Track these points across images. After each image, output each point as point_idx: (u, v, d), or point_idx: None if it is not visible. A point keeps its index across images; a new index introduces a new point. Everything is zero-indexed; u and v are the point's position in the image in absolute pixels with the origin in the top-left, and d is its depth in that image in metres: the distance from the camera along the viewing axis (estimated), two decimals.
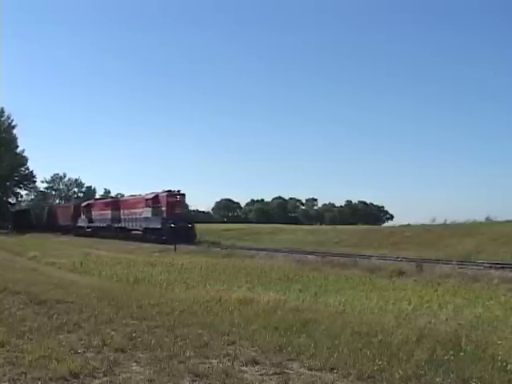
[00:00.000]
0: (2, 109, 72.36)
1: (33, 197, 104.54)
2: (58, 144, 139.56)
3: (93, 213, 50.02)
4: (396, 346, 6.51)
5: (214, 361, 6.04)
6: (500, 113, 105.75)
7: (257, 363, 5.99)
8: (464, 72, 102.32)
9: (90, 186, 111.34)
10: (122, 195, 65.94)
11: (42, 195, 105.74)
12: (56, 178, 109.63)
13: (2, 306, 9.54)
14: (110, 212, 46.10)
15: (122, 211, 43.69)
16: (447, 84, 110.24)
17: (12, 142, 72.65)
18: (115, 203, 46.95)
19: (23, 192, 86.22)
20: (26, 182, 79.43)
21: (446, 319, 8.30)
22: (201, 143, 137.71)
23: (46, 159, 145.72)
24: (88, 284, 13.48)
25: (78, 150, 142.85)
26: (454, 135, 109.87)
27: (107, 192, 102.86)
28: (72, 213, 55.09)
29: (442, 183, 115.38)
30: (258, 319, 8.36)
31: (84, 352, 6.37)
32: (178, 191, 37.43)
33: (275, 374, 5.66)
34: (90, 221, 49.80)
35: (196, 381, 5.35)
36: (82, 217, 51.86)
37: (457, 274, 14.63)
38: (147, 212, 38.01)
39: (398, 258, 19.80)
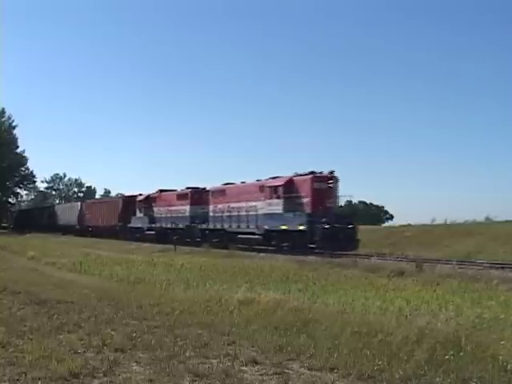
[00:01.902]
0: (3, 109, 72.51)
1: (33, 197, 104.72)
2: (58, 144, 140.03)
3: (157, 209, 37.56)
4: (396, 346, 6.51)
5: (214, 361, 6.05)
6: (500, 112, 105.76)
7: (257, 363, 6.00)
8: (464, 72, 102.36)
9: (90, 186, 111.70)
10: (122, 195, 65.27)
11: (42, 195, 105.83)
12: (56, 178, 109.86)
13: (2, 306, 9.56)
14: (188, 207, 33.36)
15: (213, 206, 30.87)
16: (447, 84, 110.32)
17: (12, 142, 72.70)
18: (199, 194, 33.26)
19: (23, 192, 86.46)
20: (26, 182, 79.51)
21: (446, 319, 8.28)
22: (201, 143, 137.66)
23: (46, 159, 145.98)
24: (88, 284, 13.48)
25: (78, 150, 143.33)
26: (453, 135, 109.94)
27: (107, 192, 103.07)
28: (120, 210, 43.64)
29: (442, 183, 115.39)
30: (257, 319, 8.36)
31: (84, 352, 6.38)
32: (332, 172, 24.32)
33: (275, 374, 5.67)
34: (152, 220, 37.62)
35: (196, 381, 5.35)
36: (139, 215, 39.70)
37: (457, 274, 14.62)
38: (273, 205, 25.35)
39: (398, 257, 19.80)
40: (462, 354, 6.17)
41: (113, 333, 7.39)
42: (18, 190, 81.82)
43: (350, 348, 6.47)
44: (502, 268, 16.62)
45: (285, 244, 24.41)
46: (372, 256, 20.16)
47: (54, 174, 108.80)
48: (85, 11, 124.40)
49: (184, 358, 6.09)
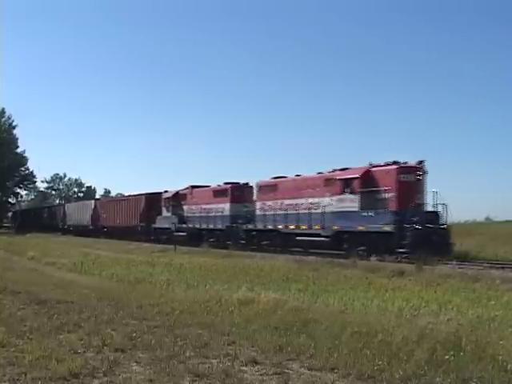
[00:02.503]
0: (3, 109, 72.55)
1: (33, 197, 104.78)
2: (58, 144, 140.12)
3: (188, 207, 33.43)
4: (396, 346, 6.51)
5: (214, 361, 6.05)
6: (500, 113, 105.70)
7: (257, 363, 6.00)
8: (464, 72, 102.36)
9: (90, 186, 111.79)
10: (122, 195, 64.88)
11: (42, 195, 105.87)
12: (56, 178, 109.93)
13: (2, 306, 9.56)
14: (227, 205, 29.47)
15: (261, 203, 26.82)
16: (447, 84, 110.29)
17: (12, 142, 72.74)
18: (240, 190, 29.65)
19: (23, 192, 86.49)
20: (26, 182, 79.55)
21: (447, 319, 8.29)
22: (201, 143, 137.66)
23: (46, 159, 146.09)
24: (88, 284, 13.48)
25: (78, 150, 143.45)
26: (453, 135, 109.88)
27: (107, 192, 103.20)
28: (143, 209, 39.30)
29: (442, 183, 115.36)
30: (257, 319, 8.37)
31: (84, 352, 6.38)
32: (421, 162, 20.36)
33: (275, 374, 5.67)
34: (182, 220, 33.52)
35: (196, 381, 5.35)
36: (166, 214, 35.48)
37: (457, 274, 14.61)
38: (345, 202, 21.46)
39: (398, 258, 19.74)
40: (462, 354, 6.17)
41: (113, 333, 7.39)
42: (18, 190, 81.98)
43: (350, 348, 6.47)
44: (503, 268, 16.62)
45: (361, 248, 20.13)
46: (372, 256, 20.11)
47: (54, 174, 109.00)
48: (84, 11, 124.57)
49: (184, 358, 6.09)
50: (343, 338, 6.97)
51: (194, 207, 32.72)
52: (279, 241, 24.94)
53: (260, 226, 26.57)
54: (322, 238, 22.43)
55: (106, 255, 24.79)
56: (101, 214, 48.06)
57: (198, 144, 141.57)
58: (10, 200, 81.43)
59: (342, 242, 21.42)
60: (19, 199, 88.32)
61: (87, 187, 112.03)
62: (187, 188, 34.35)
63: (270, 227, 25.85)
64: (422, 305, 9.84)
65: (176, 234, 32.73)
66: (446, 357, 6.02)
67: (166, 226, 34.40)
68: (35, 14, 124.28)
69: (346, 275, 15.18)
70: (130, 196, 45.35)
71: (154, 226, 36.57)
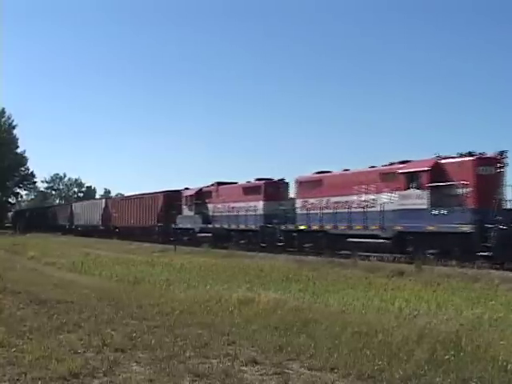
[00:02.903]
0: (3, 109, 72.59)
1: (33, 197, 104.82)
2: (58, 144, 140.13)
3: (213, 206, 30.66)
4: (396, 346, 6.51)
5: (214, 361, 6.04)
6: (500, 113, 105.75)
7: (257, 363, 6.00)
8: (464, 72, 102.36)
9: (90, 186, 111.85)
10: (122, 195, 64.53)
11: (42, 195, 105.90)
12: (56, 178, 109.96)
13: (2, 306, 9.56)
14: (260, 203, 26.78)
15: (302, 200, 24.41)
16: (447, 84, 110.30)
17: (12, 142, 72.78)
18: (275, 187, 27.28)
19: (23, 192, 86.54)
20: (25, 182, 79.58)
21: (446, 319, 8.29)
22: (201, 143, 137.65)
23: (46, 159, 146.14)
24: (88, 284, 13.48)
25: (78, 150, 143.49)
26: (453, 135, 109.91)
27: (107, 192, 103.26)
28: (161, 208, 36.78)
29: None
30: (257, 319, 8.36)
31: (84, 352, 6.38)
32: (503, 153, 18.04)
33: (275, 373, 5.66)
34: (207, 219, 30.93)
35: (196, 381, 5.35)
36: (188, 213, 32.77)
37: (457, 274, 14.61)
38: (411, 198, 19.03)
39: (398, 258, 19.74)
40: (462, 354, 6.16)
41: (113, 333, 7.39)
42: (18, 190, 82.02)
43: (350, 348, 6.47)
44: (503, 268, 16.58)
45: (430, 251, 17.75)
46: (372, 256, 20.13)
47: (54, 174, 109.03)
48: (85, 11, 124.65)
49: (184, 358, 6.08)
50: (343, 338, 6.96)
51: (220, 206, 29.86)
52: (325, 242, 22.31)
53: (302, 226, 23.92)
54: (381, 240, 19.90)
55: (106, 255, 24.78)
56: (112, 213, 45.25)
57: (198, 144, 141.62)
58: (9, 200, 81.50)
59: (406, 245, 19.06)
60: (19, 199, 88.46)
61: (87, 187, 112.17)
62: (212, 185, 31.59)
63: (314, 228, 23.20)
64: (422, 305, 9.84)
65: (200, 234, 30.77)
66: (446, 357, 6.02)
67: (188, 226, 32.00)
68: (35, 13, 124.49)
69: (346, 275, 15.18)
70: (145, 194, 41.05)
71: (174, 226, 33.47)
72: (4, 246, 31.79)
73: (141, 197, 41.68)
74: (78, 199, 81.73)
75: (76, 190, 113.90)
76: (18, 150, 74.00)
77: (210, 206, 31.17)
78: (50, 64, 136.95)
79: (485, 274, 14.47)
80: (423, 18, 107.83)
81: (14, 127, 73.17)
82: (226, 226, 29.07)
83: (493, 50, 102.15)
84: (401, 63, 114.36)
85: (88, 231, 49.07)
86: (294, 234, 24.45)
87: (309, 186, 24.61)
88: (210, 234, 30.15)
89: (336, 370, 5.74)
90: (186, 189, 34.44)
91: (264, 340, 7.01)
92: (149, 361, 6.02)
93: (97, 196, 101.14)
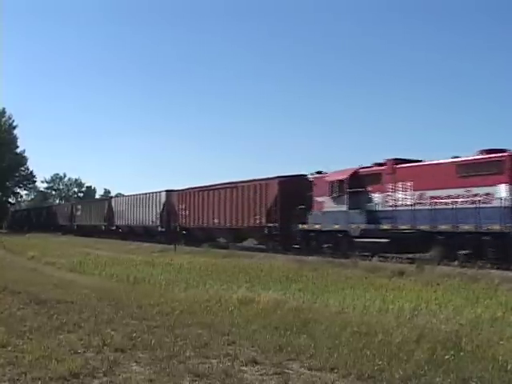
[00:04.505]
0: (3, 109, 72.60)
1: (33, 197, 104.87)
2: (58, 144, 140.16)
3: (384, 196, 20.01)
4: (396, 346, 6.51)
5: (214, 361, 6.04)
6: (500, 113, 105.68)
7: (257, 363, 6.00)
8: (464, 72, 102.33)
9: (90, 186, 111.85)
10: (122, 195, 63.45)
11: (42, 195, 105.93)
12: (56, 178, 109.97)
13: (2, 305, 9.55)
14: (504, 188, 16.36)
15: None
16: (447, 84, 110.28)
17: (12, 142, 72.80)
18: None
19: (23, 192, 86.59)
20: (25, 182, 79.62)
21: (446, 319, 8.29)
22: (201, 143, 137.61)
23: (46, 159, 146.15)
24: (88, 284, 13.48)
25: (78, 149, 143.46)
26: (453, 136, 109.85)
27: (107, 192, 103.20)
28: (275, 200, 25.21)
29: None
30: (257, 319, 8.37)
31: (84, 352, 6.37)
32: None
33: (275, 373, 5.66)
34: (374, 218, 20.36)
35: (196, 381, 5.35)
36: (332, 207, 22.00)
37: (457, 274, 14.62)
38: None
39: (398, 258, 19.74)
40: (462, 354, 6.17)
41: (113, 333, 7.39)
42: (18, 190, 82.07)
43: (350, 348, 6.47)
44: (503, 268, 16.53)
45: None
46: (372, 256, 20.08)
47: (54, 174, 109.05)
48: (85, 11, 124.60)
49: (184, 358, 6.08)
50: (343, 338, 6.97)
51: (403, 195, 19.41)
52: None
53: None
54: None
55: (106, 255, 24.78)
56: (179, 210, 33.36)
57: (197, 144, 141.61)
58: (9, 200, 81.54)
59: None
60: (19, 199, 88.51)
61: (87, 187, 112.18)
62: (380, 164, 20.94)
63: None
64: (422, 305, 9.84)
65: (360, 240, 20.48)
66: (446, 357, 6.03)
67: (334, 226, 21.72)
68: (35, 13, 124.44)
69: (346, 275, 15.18)
70: (240, 182, 28.31)
71: (299, 227, 23.37)
72: (3, 246, 31.78)
73: (233, 186, 28.69)
74: (118, 195, 62.95)
75: (76, 189, 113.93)
76: (18, 150, 74.07)
77: (376, 196, 20.48)
78: (50, 64, 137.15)
79: (485, 274, 14.47)
80: (424, 19, 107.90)
81: (14, 127, 73.25)
82: (424, 227, 18.42)
83: (493, 50, 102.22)
84: (401, 64, 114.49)
85: (134, 234, 39.16)
86: None
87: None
88: (384, 240, 19.56)
89: (336, 370, 5.74)
90: (318, 172, 23.71)
91: (264, 340, 7.01)
92: (149, 361, 6.02)
93: (96, 196, 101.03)
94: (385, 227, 19.90)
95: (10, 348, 6.45)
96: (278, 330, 7.61)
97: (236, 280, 13.76)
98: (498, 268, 15.40)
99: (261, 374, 5.64)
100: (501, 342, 6.67)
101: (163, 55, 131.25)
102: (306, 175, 24.97)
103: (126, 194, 45.88)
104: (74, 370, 5.50)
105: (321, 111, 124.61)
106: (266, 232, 25.84)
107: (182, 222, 33.22)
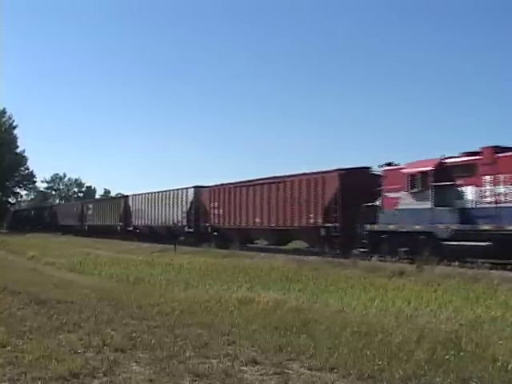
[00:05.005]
0: (4, 110, 72.63)
1: (33, 197, 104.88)
2: (58, 144, 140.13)
3: (480, 191, 16.74)
4: (396, 346, 6.51)
5: (214, 361, 6.04)
6: (500, 113, 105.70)
7: (257, 363, 6.00)
8: (464, 72, 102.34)
9: (90, 186, 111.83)
10: (122, 195, 63.14)
11: (42, 195, 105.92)
12: (56, 178, 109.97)
13: (2, 305, 9.56)
14: None
15: None
16: (447, 84, 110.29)
17: (12, 142, 72.82)
18: None
19: (23, 192, 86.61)
20: (25, 182, 79.64)
21: (446, 319, 8.29)
22: (201, 143, 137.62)
23: (46, 159, 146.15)
24: (88, 284, 13.48)
25: (78, 150, 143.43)
26: (453, 136, 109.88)
27: (107, 192, 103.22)
28: (333, 196, 21.93)
29: None
30: (257, 319, 8.37)
31: (84, 352, 6.38)
32: None
33: (275, 373, 5.66)
34: (466, 216, 17.10)
35: (196, 381, 5.35)
36: (411, 203, 18.71)
37: (457, 274, 14.60)
38: None
39: (399, 258, 19.74)
40: (462, 354, 6.17)
41: (113, 333, 7.39)
42: (18, 190, 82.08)
43: (350, 348, 6.47)
44: (503, 268, 16.55)
45: None
46: (372, 256, 20.09)
47: (54, 174, 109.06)
48: (85, 11, 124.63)
49: (184, 358, 6.08)
50: (343, 338, 6.97)
51: (508, 189, 16.20)
52: None
53: None
54: None
55: (106, 255, 24.79)
56: (210, 208, 29.73)
57: (198, 144, 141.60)
58: (9, 200, 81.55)
59: None
60: (19, 199, 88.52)
61: (87, 187, 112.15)
62: (475, 153, 17.54)
63: None
64: (422, 305, 9.84)
65: (454, 243, 16.99)
66: (446, 357, 6.03)
67: (415, 227, 18.37)
68: (35, 13, 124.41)
69: (346, 275, 15.18)
70: (290, 176, 24.97)
71: (367, 228, 20.09)
72: (3, 246, 31.78)
73: (280, 180, 25.40)
74: (137, 193, 53.81)
75: (76, 189, 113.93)
76: (18, 150, 74.08)
77: (469, 190, 17.37)
78: (50, 64, 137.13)
79: (485, 274, 14.46)
80: (423, 19, 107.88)
81: (14, 127, 73.25)
82: None
83: (493, 50, 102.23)
84: (401, 63, 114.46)
85: (157, 235, 35.47)
86: None
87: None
88: (484, 243, 16.12)
89: (336, 370, 5.74)
90: (389, 164, 20.40)
91: (264, 340, 7.01)
92: (149, 361, 6.02)
93: (96, 196, 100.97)
94: (485, 228, 16.34)
95: (9, 348, 6.45)
96: (277, 329, 7.61)
97: (236, 280, 13.76)
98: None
99: (261, 374, 5.64)
100: (500, 342, 6.67)
101: (163, 55, 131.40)
102: (369, 168, 22.25)
103: (142, 192, 39.58)
104: (74, 370, 5.50)
105: (319, 111, 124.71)
106: (322, 233, 22.38)
107: (214, 221, 29.68)
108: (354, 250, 20.34)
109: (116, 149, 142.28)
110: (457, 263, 16.42)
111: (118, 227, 41.90)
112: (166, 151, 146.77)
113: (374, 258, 19.19)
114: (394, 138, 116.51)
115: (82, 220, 50.28)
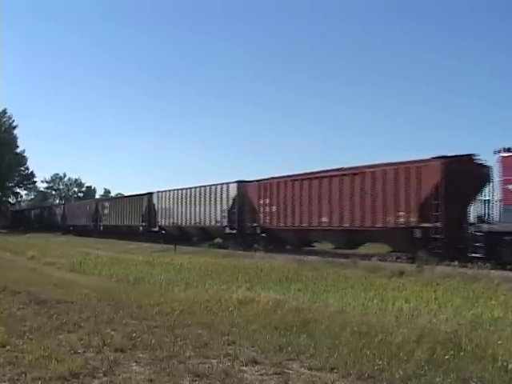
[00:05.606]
0: (4, 110, 72.67)
1: (33, 197, 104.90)
2: (58, 144, 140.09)
3: None
4: (396, 346, 6.51)
5: (214, 361, 6.05)
6: (500, 113, 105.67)
7: (257, 363, 6.00)
8: (464, 72, 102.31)
9: (90, 186, 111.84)
10: (122, 195, 63.26)
11: (42, 195, 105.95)
12: (56, 178, 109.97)
13: (2, 305, 9.56)
14: None
15: None
16: (447, 84, 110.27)
17: (12, 142, 72.87)
18: None
19: (23, 192, 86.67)
20: (26, 182, 79.68)
21: (446, 319, 8.29)
22: (201, 143, 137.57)
23: (46, 159, 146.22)
24: (88, 284, 13.48)
25: (78, 150, 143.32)
26: (453, 136, 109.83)
27: (107, 192, 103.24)
28: (432, 189, 18.13)
29: None
30: (257, 319, 8.37)
31: (84, 352, 6.38)
32: None
33: (275, 373, 5.67)
34: None
35: (196, 381, 5.35)
36: None
37: (457, 274, 14.62)
38: None
39: (399, 258, 19.75)
40: (462, 354, 6.17)
41: (113, 333, 7.39)
42: (18, 190, 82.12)
43: (350, 348, 6.48)
44: (503, 268, 16.56)
45: None
46: (373, 256, 20.11)
47: (54, 174, 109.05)
48: (85, 11, 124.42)
49: (184, 358, 6.09)
50: (343, 338, 6.97)
51: None
52: None
53: None
54: None
55: (106, 255, 24.79)
56: (259, 206, 26.11)
57: (197, 144, 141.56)
58: (9, 200, 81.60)
59: None
60: (19, 199, 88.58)
61: (87, 187, 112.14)
62: None
63: None
64: (422, 305, 9.84)
65: None
66: (446, 357, 6.03)
67: None
68: (35, 13, 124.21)
69: (346, 275, 15.19)
70: (368, 167, 21.14)
71: (483, 227, 16.55)
72: (3, 246, 31.78)
73: (356, 171, 21.42)
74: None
75: (76, 189, 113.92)
76: (18, 150, 74.13)
77: None
78: (50, 64, 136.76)
79: (485, 274, 14.47)
80: (423, 19, 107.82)
81: (14, 127, 73.28)
82: None
83: (493, 50, 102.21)
84: (400, 64, 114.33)
85: (188, 237, 32.31)
86: None
87: None
88: None
89: (336, 370, 5.74)
90: (507, 150, 16.52)
91: (264, 340, 7.02)
92: (149, 361, 6.02)
93: (96, 196, 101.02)
94: None
95: (9, 348, 6.45)
96: (277, 329, 7.61)
97: (236, 280, 13.76)
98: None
99: (261, 374, 5.65)
100: (500, 342, 6.67)
101: (163, 55, 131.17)
102: (474, 155, 18.57)
103: (170, 189, 34.96)
104: (74, 370, 5.50)
105: (319, 111, 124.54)
106: (417, 235, 18.59)
107: (263, 221, 25.77)
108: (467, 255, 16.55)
109: (116, 149, 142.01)
110: (456, 263, 16.45)
111: (141, 228, 38.03)
112: (165, 151, 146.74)
113: (373, 258, 19.22)
114: (394, 138, 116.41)
115: (96, 220, 46.46)
